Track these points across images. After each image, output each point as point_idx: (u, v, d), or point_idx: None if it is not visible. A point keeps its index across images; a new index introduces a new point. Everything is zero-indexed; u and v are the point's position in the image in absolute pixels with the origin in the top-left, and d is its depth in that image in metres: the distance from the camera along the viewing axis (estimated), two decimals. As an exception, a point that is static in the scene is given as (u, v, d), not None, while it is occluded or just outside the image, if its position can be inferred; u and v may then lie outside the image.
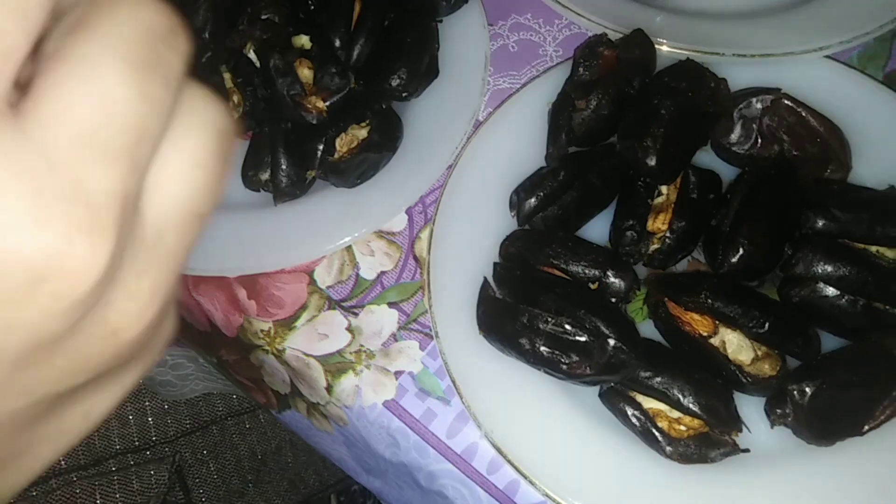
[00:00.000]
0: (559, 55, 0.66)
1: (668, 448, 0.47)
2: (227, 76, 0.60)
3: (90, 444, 0.80)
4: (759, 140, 0.55)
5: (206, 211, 0.21)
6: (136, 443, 0.83)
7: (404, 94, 0.60)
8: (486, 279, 0.52)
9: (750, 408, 0.49)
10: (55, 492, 0.73)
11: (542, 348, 0.47)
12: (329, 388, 0.56)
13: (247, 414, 0.92)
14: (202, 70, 0.60)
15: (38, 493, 0.73)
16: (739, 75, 0.57)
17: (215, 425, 0.89)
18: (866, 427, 0.47)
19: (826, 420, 0.47)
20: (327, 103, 0.56)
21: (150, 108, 0.18)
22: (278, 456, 0.94)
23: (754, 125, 0.55)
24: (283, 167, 0.57)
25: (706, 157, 0.57)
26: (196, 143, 0.20)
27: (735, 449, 0.47)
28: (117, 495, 0.76)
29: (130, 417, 0.84)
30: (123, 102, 0.17)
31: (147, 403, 0.86)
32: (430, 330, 0.55)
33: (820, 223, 0.51)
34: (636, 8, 0.64)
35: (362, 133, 0.57)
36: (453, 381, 0.52)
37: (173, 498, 0.80)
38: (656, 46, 0.58)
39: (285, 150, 0.57)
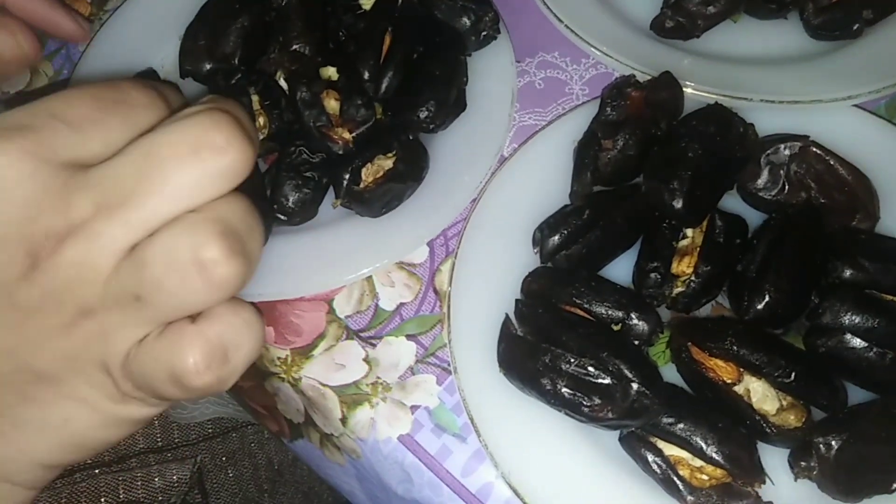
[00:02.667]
0: (585, 94, 0.67)
1: (690, 497, 0.46)
2: (255, 98, 0.60)
3: None
4: (787, 186, 0.55)
5: None
6: (159, 443, 0.84)
7: (431, 127, 0.60)
8: (507, 316, 0.51)
9: (773, 459, 0.48)
10: (79, 484, 0.74)
11: (564, 389, 0.46)
12: (344, 420, 0.56)
13: (274, 434, 0.92)
14: (230, 91, 0.61)
15: (62, 484, 0.73)
16: (766, 121, 0.57)
17: (236, 432, 0.89)
18: (895, 485, 0.46)
19: (852, 475, 0.46)
20: (353, 134, 0.56)
21: None
22: (294, 468, 0.94)
23: (782, 171, 0.55)
24: (286, 191, 0.57)
25: (733, 202, 0.57)
26: None
27: (758, 501, 0.46)
28: (140, 491, 0.77)
29: (155, 420, 0.85)
30: None
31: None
32: (449, 364, 0.55)
33: (847, 273, 0.51)
34: (664, 50, 0.64)
35: (388, 163, 0.57)
36: (471, 419, 0.51)
37: (192, 500, 0.80)
38: (685, 90, 0.58)
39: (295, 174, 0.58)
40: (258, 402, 0.65)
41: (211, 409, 0.87)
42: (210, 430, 0.88)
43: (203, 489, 0.84)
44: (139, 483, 0.77)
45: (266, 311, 0.59)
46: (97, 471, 0.77)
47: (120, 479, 0.77)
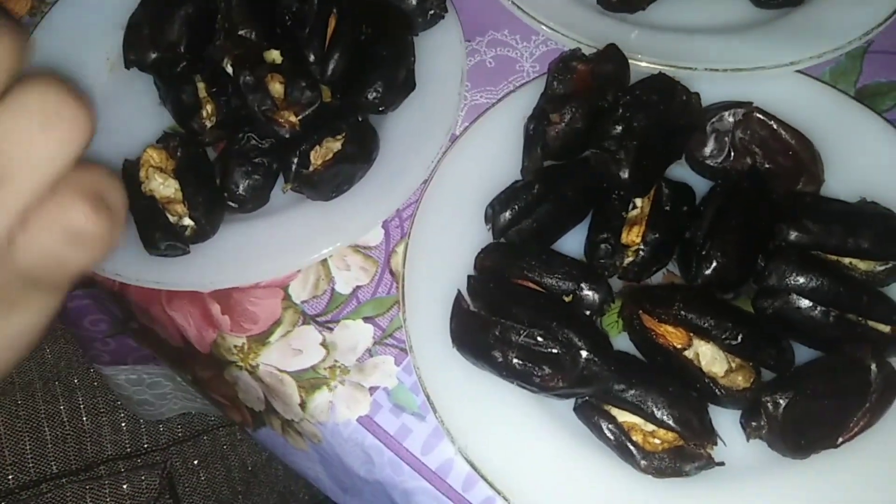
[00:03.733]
0: (536, 71, 0.67)
1: (643, 462, 0.47)
2: (200, 86, 0.59)
3: (82, 449, 0.80)
4: (732, 153, 0.55)
5: None
6: (128, 449, 0.83)
7: (380, 108, 0.60)
8: (459, 292, 0.51)
9: (726, 421, 0.49)
10: (45, 495, 0.73)
11: (515, 361, 0.47)
12: (303, 405, 0.56)
13: (238, 425, 0.91)
14: (177, 80, 0.60)
15: (28, 496, 0.73)
16: (712, 90, 0.58)
17: (206, 435, 0.88)
18: (840, 439, 0.47)
19: (800, 432, 0.46)
20: (299, 117, 0.55)
21: None
22: (268, 468, 0.93)
23: (727, 138, 0.55)
24: (236, 178, 0.57)
25: (681, 171, 0.57)
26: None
27: (710, 462, 0.47)
28: (108, 499, 0.76)
29: (123, 425, 0.84)
30: None
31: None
32: (406, 345, 0.55)
33: (793, 235, 0.51)
34: (611, 24, 0.64)
35: (337, 146, 0.57)
36: (427, 397, 0.51)
37: (163, 504, 0.80)
38: (632, 62, 0.59)
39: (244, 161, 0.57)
40: (220, 393, 0.65)
41: (178, 404, 0.87)
42: (180, 434, 0.87)
43: (175, 494, 0.84)
44: (107, 491, 0.77)
45: (221, 300, 0.59)
46: (64, 480, 0.76)
47: (87, 487, 0.76)
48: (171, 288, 0.59)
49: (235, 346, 0.58)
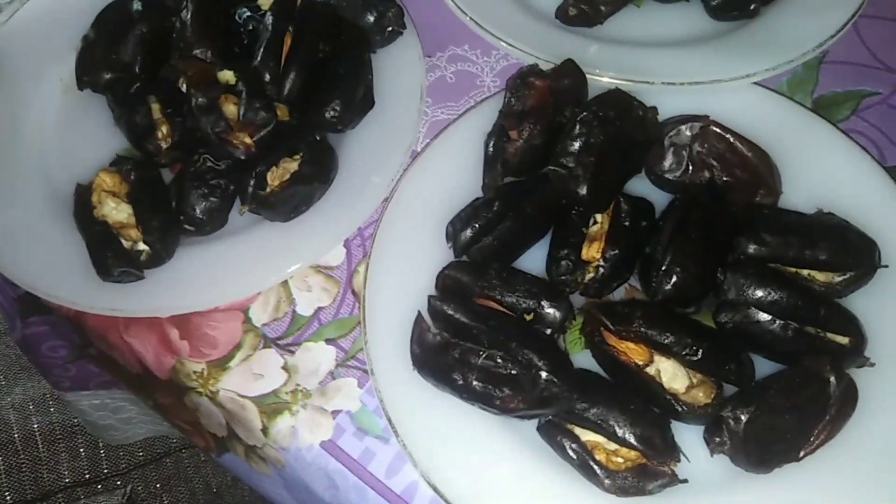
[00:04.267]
0: (497, 85, 0.66)
1: (607, 481, 0.47)
2: (155, 107, 0.58)
3: (38, 478, 0.78)
4: (690, 167, 0.56)
5: None
6: (87, 476, 0.81)
7: (339, 126, 0.59)
8: (419, 314, 0.51)
9: (690, 436, 0.49)
10: None
11: (475, 383, 0.46)
12: (265, 430, 0.55)
13: (202, 450, 0.90)
14: (131, 100, 0.59)
15: None
16: (670, 104, 0.58)
17: (169, 457, 0.87)
18: (802, 453, 0.47)
19: (763, 447, 0.46)
20: (254, 138, 0.55)
21: None
22: (234, 489, 0.92)
23: (685, 152, 0.55)
24: (193, 201, 0.56)
25: (642, 185, 0.57)
26: None
27: (673, 479, 0.47)
28: None
29: (81, 450, 0.82)
30: None
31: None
32: (368, 367, 0.54)
33: (751, 248, 0.52)
34: (570, 38, 0.64)
35: (294, 166, 0.56)
36: (389, 419, 0.51)
37: (124, 532, 0.78)
38: (591, 77, 0.59)
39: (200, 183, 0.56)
40: (181, 419, 0.64)
41: (144, 428, 0.85)
42: (141, 457, 0.86)
43: None
44: None
45: (179, 325, 0.58)
46: (20, 510, 0.74)
47: None
48: (128, 315, 0.57)
49: (195, 372, 0.57)
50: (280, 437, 0.54)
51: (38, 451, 0.80)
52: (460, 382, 0.46)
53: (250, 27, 0.63)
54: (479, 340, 0.47)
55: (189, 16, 0.61)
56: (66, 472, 0.79)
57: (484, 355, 0.46)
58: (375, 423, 0.54)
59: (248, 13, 0.63)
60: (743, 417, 0.46)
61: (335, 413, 0.54)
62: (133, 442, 0.86)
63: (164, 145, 0.59)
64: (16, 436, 0.81)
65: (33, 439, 0.81)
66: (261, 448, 0.57)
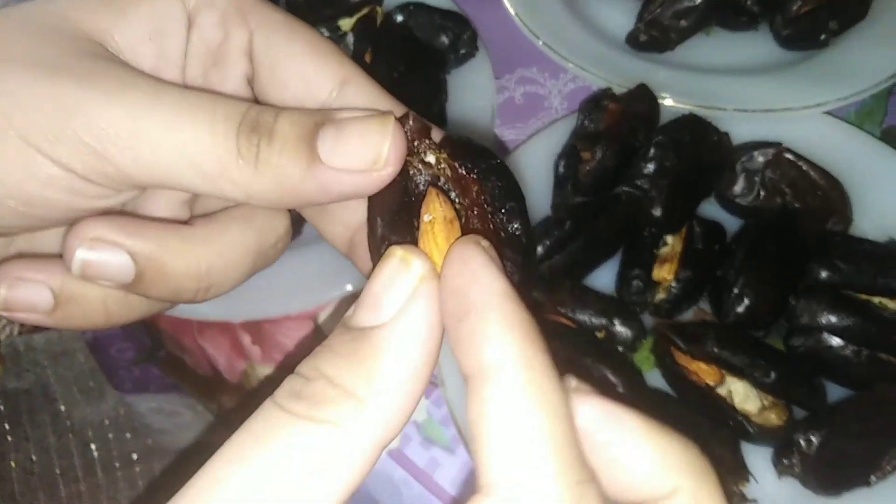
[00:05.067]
0: (564, 108, 0.68)
1: (677, 499, 0.47)
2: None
3: None
4: (762, 192, 0.56)
5: None
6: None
7: (413, 143, 0.61)
8: (492, 326, 0.52)
9: (757, 458, 0.49)
10: None
11: (550, 396, 0.47)
12: (333, 435, 0.56)
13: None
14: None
15: None
16: (741, 130, 0.59)
17: None
18: (873, 478, 0.47)
19: (833, 470, 0.46)
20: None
21: None
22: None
23: (757, 178, 0.56)
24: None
25: (711, 209, 0.58)
26: None
27: (743, 499, 0.47)
28: None
29: (140, 482, 0.83)
30: None
31: (157, 465, 0.84)
32: (436, 377, 0.55)
33: (823, 274, 0.52)
34: (640, 63, 0.65)
35: (371, 180, 0.58)
36: (459, 430, 0.51)
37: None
38: (660, 101, 0.60)
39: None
40: (247, 422, 0.65)
41: (194, 432, 0.87)
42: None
43: None
44: None
45: (252, 331, 0.59)
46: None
47: None
48: (203, 318, 0.59)
49: (266, 377, 0.58)
50: (348, 443, 0.56)
51: (98, 479, 0.81)
52: (535, 395, 0.47)
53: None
54: (552, 355, 0.48)
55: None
56: (124, 503, 0.81)
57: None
58: (441, 433, 0.55)
59: (328, 33, 0.65)
60: (815, 440, 0.46)
61: (403, 422, 0.55)
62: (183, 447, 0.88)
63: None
64: (76, 463, 0.82)
65: (93, 467, 0.83)
66: (327, 453, 0.58)
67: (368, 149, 0.24)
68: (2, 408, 0.78)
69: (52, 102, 0.24)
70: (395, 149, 0.24)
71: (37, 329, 0.77)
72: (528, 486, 0.20)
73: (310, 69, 0.29)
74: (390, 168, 0.25)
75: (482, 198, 0.25)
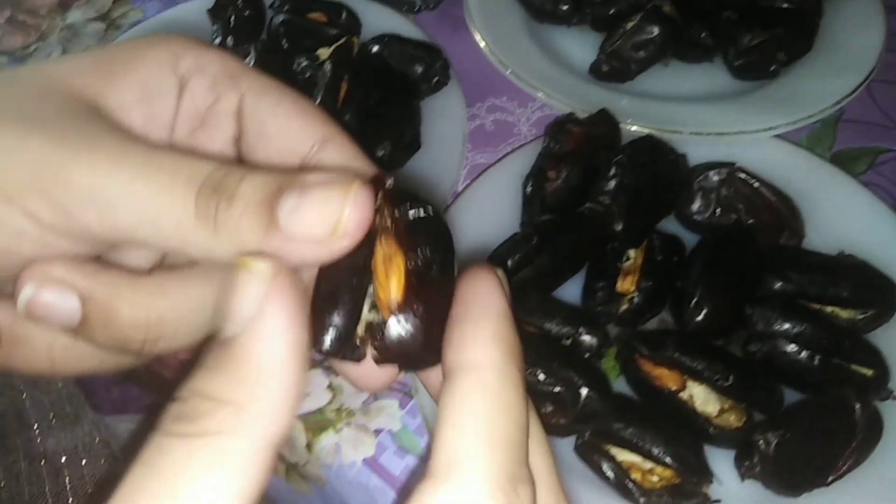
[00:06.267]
0: (532, 134, 0.71)
1: (642, 499, 0.48)
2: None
3: None
4: (718, 210, 0.59)
5: None
6: None
7: (387, 165, 0.64)
8: (464, 336, 0.54)
9: (721, 462, 0.51)
10: None
11: (518, 399, 0.48)
12: (309, 446, 0.57)
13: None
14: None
15: None
16: (697, 152, 0.62)
17: None
18: (831, 478, 0.49)
19: (792, 471, 0.48)
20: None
21: None
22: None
23: (713, 196, 0.59)
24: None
25: (671, 226, 0.61)
26: None
27: (707, 500, 0.48)
28: None
29: None
30: None
31: None
32: (410, 388, 0.57)
33: (777, 285, 0.55)
34: (603, 92, 0.69)
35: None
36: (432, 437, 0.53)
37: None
38: (623, 126, 0.63)
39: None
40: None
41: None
42: None
43: None
44: None
45: (231, 345, 0.61)
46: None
47: None
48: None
49: (244, 391, 0.59)
50: (324, 454, 0.57)
51: None
52: (504, 398, 0.49)
53: (307, 75, 0.69)
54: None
55: (251, 64, 0.67)
56: None
57: (527, 373, 0.49)
58: (416, 442, 0.56)
59: (307, 62, 0.68)
60: (773, 440, 0.48)
61: (377, 432, 0.57)
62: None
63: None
64: (47, 489, 0.82)
65: (64, 495, 0.82)
66: (303, 465, 0.59)
67: (326, 217, 0.23)
68: (-26, 432, 0.78)
69: (25, 155, 0.25)
70: (355, 219, 0.23)
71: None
72: (470, 471, 0.22)
73: (294, 125, 0.29)
74: (347, 240, 0.23)
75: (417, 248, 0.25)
